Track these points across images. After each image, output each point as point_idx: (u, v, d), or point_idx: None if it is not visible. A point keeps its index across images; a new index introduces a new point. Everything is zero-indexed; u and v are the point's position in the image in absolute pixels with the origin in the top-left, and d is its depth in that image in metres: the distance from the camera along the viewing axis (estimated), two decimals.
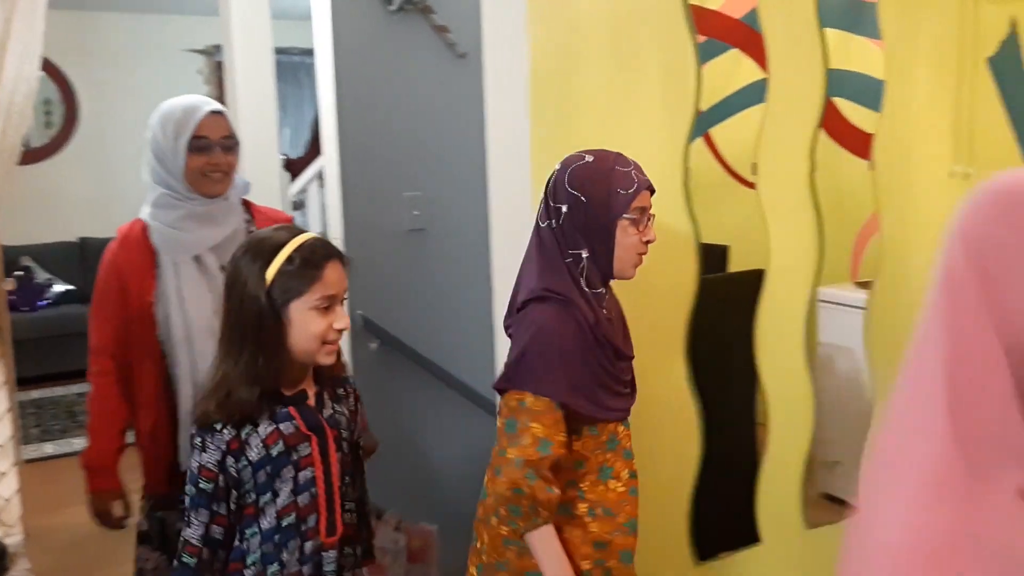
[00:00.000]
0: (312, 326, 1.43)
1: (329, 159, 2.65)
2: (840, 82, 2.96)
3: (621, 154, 1.61)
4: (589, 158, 1.58)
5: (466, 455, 2.50)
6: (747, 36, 3.09)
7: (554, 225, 1.57)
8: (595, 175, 1.56)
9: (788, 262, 2.17)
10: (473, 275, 2.56)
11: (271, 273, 1.42)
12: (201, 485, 1.43)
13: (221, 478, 1.43)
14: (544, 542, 1.52)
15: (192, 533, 1.44)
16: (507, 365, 1.57)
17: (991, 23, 2.53)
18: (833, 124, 3.22)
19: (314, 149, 5.39)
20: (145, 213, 1.86)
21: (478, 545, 1.64)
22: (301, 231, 1.50)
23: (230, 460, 1.43)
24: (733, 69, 3.42)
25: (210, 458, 1.43)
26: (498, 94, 1.94)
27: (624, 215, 1.55)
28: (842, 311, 3.09)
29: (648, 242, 1.59)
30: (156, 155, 1.83)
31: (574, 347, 1.53)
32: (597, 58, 1.91)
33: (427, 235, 2.68)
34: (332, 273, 1.45)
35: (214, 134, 1.82)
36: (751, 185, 2.62)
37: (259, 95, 3.38)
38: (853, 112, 3.22)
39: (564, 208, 1.56)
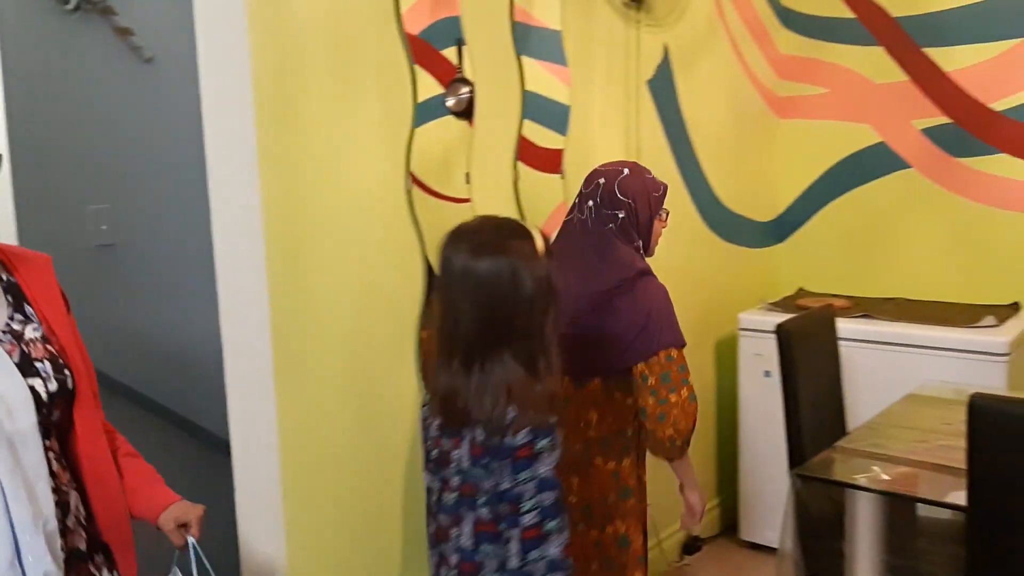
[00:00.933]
0: None
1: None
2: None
3: (635, 162, 2.09)
4: (626, 171, 2.02)
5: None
6: (425, 52, 3.24)
7: (614, 227, 1.98)
8: (637, 184, 2.00)
9: None
10: (178, 291, 2.43)
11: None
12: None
13: None
14: (688, 460, 2.01)
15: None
16: (636, 338, 1.92)
17: (650, 49, 2.93)
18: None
19: None
20: None
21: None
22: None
23: None
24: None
25: None
26: (217, 102, 1.88)
27: (657, 214, 2.02)
28: None
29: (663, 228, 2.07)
30: None
31: (670, 300, 1.98)
32: (319, 67, 1.92)
33: (118, 251, 2.50)
34: None
35: None
36: (437, 195, 2.77)
37: None
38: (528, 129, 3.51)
39: (621, 213, 1.98)
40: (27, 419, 1.28)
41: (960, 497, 1.89)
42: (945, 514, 2.14)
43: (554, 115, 2.72)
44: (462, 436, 1.49)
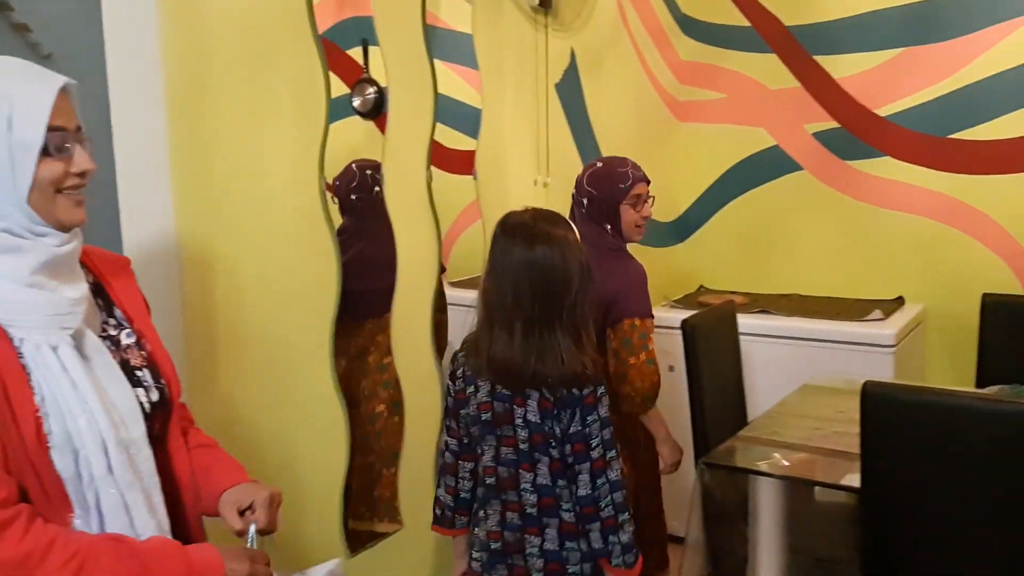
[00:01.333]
0: None
1: None
2: None
3: (622, 157, 2.40)
4: (599, 164, 2.39)
5: None
6: (330, 51, 3.23)
7: (584, 212, 2.35)
8: (603, 175, 2.35)
9: (415, 261, 2.37)
10: None
11: None
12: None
13: None
14: (658, 414, 2.33)
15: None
16: (608, 304, 2.20)
17: (557, 53, 2.99)
18: None
19: None
20: None
21: None
22: None
23: None
24: None
25: None
26: (126, 100, 1.83)
27: (624, 201, 2.32)
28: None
29: (645, 217, 2.37)
30: None
31: (643, 277, 2.30)
32: (231, 65, 1.90)
33: None
34: None
35: (71, 123, 1.19)
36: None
37: None
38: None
39: (585, 200, 2.35)
40: (138, 429, 1.21)
41: (854, 479, 2.01)
42: (841, 496, 2.26)
43: (465, 118, 2.75)
44: (527, 396, 1.73)
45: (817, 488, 2.31)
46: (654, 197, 2.40)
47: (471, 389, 1.82)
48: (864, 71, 3.54)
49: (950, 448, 1.80)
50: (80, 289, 1.21)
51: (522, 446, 1.75)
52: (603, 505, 1.73)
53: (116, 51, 1.78)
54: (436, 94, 2.42)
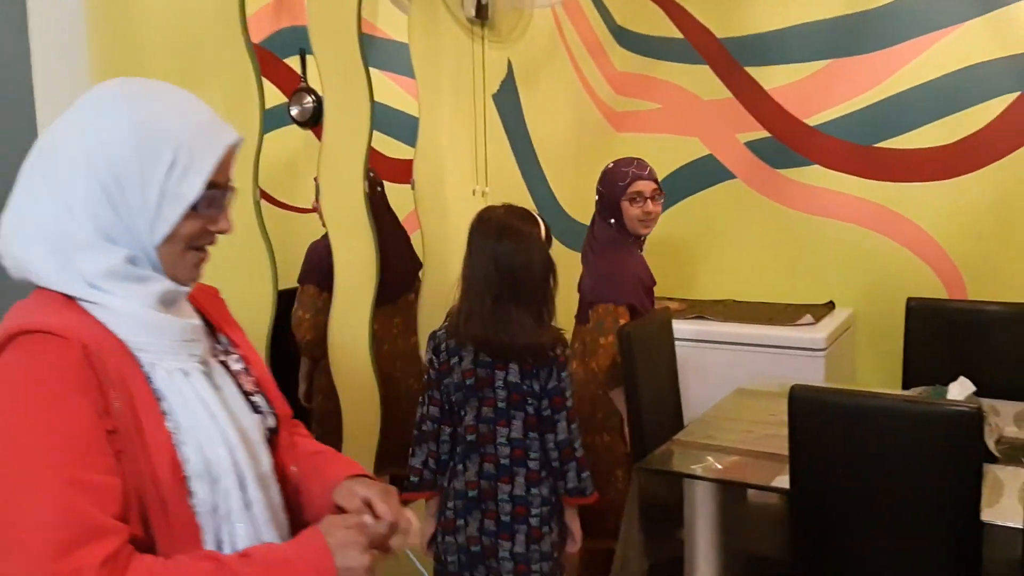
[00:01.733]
0: None
1: None
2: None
3: (632, 158, 2.67)
4: (611, 164, 2.68)
5: None
6: (267, 61, 3.21)
7: (598, 207, 2.68)
8: (609, 174, 2.66)
9: (353, 274, 2.36)
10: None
11: None
12: None
13: None
14: (620, 395, 2.54)
15: None
16: (588, 289, 2.60)
17: (495, 64, 3.02)
18: None
19: None
20: (88, 291, 1.06)
21: None
22: None
23: None
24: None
25: None
26: (52, 109, 1.80)
27: (623, 198, 2.59)
28: None
29: (648, 212, 2.61)
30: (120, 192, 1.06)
31: (630, 268, 2.60)
32: (161, 74, 1.87)
33: None
34: None
35: (226, 179, 1.14)
36: (283, 206, 2.75)
37: None
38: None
39: (597, 197, 2.68)
40: (268, 461, 1.15)
41: (784, 481, 2.06)
42: (773, 497, 2.32)
43: (404, 127, 2.76)
44: (507, 361, 2.04)
45: (750, 490, 2.37)
46: (664, 194, 2.69)
47: (455, 359, 2.08)
48: (793, 82, 3.64)
49: (873, 448, 1.86)
50: (196, 318, 1.17)
51: (500, 405, 2.05)
52: (576, 446, 2.08)
53: (42, 61, 1.75)
54: (372, 103, 2.42)
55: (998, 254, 3.35)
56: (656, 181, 2.65)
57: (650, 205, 2.61)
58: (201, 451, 1.04)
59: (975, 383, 2.37)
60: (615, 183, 2.62)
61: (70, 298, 1.04)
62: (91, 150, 1.03)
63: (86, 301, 1.04)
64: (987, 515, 1.86)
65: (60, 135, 1.06)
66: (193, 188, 1.06)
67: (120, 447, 0.99)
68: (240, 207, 2.04)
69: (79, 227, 1.03)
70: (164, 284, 1.08)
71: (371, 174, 2.52)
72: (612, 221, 2.63)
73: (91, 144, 1.04)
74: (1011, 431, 2.36)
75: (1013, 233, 3.32)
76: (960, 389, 2.31)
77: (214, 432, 1.06)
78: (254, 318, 2.06)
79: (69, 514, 0.92)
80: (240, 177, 2.03)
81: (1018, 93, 3.25)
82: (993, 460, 2.16)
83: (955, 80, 3.34)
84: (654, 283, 2.72)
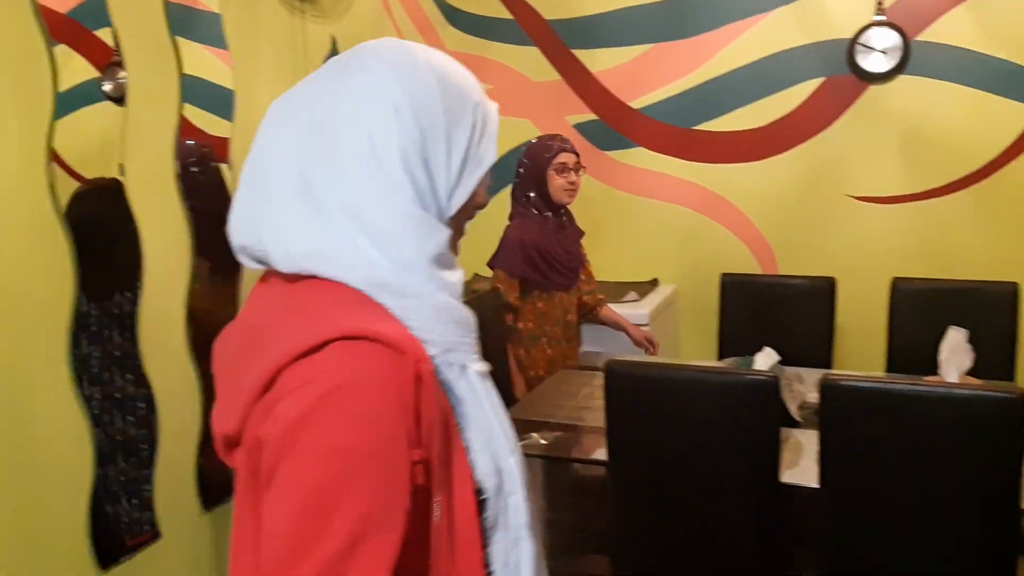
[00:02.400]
0: None
1: None
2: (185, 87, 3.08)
3: (554, 134, 3.03)
4: (535, 140, 3.00)
5: None
6: (75, 32, 3.00)
7: (519, 180, 2.98)
8: (534, 147, 2.97)
9: (163, 263, 2.24)
10: None
11: None
12: None
13: None
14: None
15: None
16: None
17: (317, 40, 2.93)
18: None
19: None
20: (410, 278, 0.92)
21: None
22: None
23: None
24: (61, 67, 3.28)
25: None
26: None
27: (549, 167, 2.90)
28: None
29: (572, 182, 2.92)
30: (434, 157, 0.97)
31: (530, 240, 2.89)
32: None
33: None
34: None
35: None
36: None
37: None
38: (197, 116, 3.37)
39: (521, 170, 2.98)
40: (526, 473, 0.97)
41: (603, 453, 2.12)
42: (599, 470, 2.39)
43: (225, 101, 2.63)
44: None
45: (576, 464, 2.43)
46: (584, 167, 2.98)
47: None
48: (618, 65, 3.74)
49: (683, 417, 1.95)
50: None
51: None
52: None
53: None
54: (181, 75, 2.29)
55: (804, 230, 3.57)
56: (577, 154, 2.94)
57: (574, 176, 2.91)
58: (494, 462, 0.89)
59: (782, 353, 2.52)
60: (541, 155, 2.91)
61: (360, 293, 0.85)
62: (400, 106, 0.88)
63: (393, 295, 0.86)
64: (787, 476, 1.98)
65: (346, 104, 0.91)
66: (489, 152, 0.94)
67: (419, 481, 0.81)
68: (30, 191, 1.89)
69: (407, 202, 0.87)
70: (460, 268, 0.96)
71: (205, 150, 2.40)
72: (532, 195, 2.91)
73: (401, 102, 0.88)
74: (813, 397, 2.53)
75: (817, 211, 3.55)
76: (765, 359, 2.45)
77: (503, 439, 0.91)
78: (51, 312, 1.92)
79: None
80: (29, 160, 1.89)
81: (823, 78, 3.47)
82: (795, 425, 2.31)
83: (766, 65, 3.53)
84: (574, 256, 3.02)
